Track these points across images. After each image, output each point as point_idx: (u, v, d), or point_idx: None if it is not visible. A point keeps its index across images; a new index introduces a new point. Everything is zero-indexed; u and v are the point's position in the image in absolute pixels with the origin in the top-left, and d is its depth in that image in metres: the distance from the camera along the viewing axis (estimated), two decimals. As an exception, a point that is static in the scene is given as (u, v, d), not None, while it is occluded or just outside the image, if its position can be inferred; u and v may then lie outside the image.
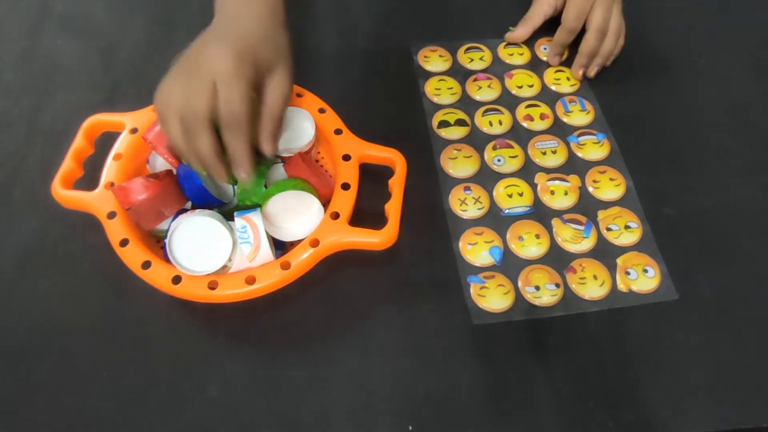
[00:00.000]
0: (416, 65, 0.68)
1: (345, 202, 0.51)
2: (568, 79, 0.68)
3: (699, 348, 0.50)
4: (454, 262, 0.54)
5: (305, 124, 0.56)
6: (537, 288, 0.52)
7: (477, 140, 0.62)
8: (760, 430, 0.47)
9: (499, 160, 0.60)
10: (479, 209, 0.57)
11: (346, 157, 0.54)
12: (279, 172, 0.55)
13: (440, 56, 0.69)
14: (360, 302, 0.52)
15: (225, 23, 0.50)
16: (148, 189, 0.49)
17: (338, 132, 0.56)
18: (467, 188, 0.58)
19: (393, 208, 0.52)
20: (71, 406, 0.47)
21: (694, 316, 0.51)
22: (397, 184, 0.53)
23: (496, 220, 0.57)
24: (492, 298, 0.52)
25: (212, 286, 0.47)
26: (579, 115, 0.64)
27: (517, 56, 0.70)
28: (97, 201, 0.51)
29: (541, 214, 0.57)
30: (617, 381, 0.48)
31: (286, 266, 0.48)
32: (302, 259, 0.48)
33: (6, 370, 0.49)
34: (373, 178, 0.55)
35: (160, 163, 0.56)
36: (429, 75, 0.67)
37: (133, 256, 0.48)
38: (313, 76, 0.64)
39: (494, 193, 0.58)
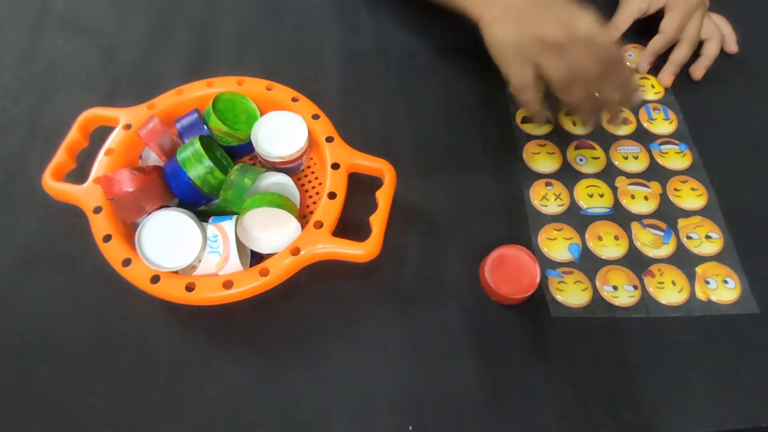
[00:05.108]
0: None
1: (330, 211, 0.50)
2: (652, 86, 0.67)
3: (698, 348, 0.50)
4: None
5: (298, 130, 0.55)
6: (615, 288, 0.53)
7: (560, 138, 0.63)
8: (760, 430, 0.47)
9: (581, 160, 0.61)
10: (560, 206, 0.57)
11: (335, 166, 0.53)
12: (264, 183, 0.53)
13: None
14: (360, 302, 0.52)
15: None
16: (132, 182, 0.49)
17: (329, 140, 0.54)
18: (549, 184, 0.59)
19: (378, 220, 0.49)
20: (71, 406, 0.47)
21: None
22: (384, 196, 0.51)
23: (576, 218, 0.57)
24: (570, 293, 0.52)
25: (190, 287, 0.47)
26: (662, 124, 0.64)
27: None
28: (84, 195, 0.51)
29: (620, 216, 0.57)
30: (617, 381, 0.48)
31: (264, 273, 0.47)
32: (281, 267, 0.47)
33: (6, 370, 0.49)
34: (365, 188, 0.53)
35: (153, 159, 0.56)
36: None
37: (114, 252, 0.48)
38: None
39: (575, 192, 0.59)
